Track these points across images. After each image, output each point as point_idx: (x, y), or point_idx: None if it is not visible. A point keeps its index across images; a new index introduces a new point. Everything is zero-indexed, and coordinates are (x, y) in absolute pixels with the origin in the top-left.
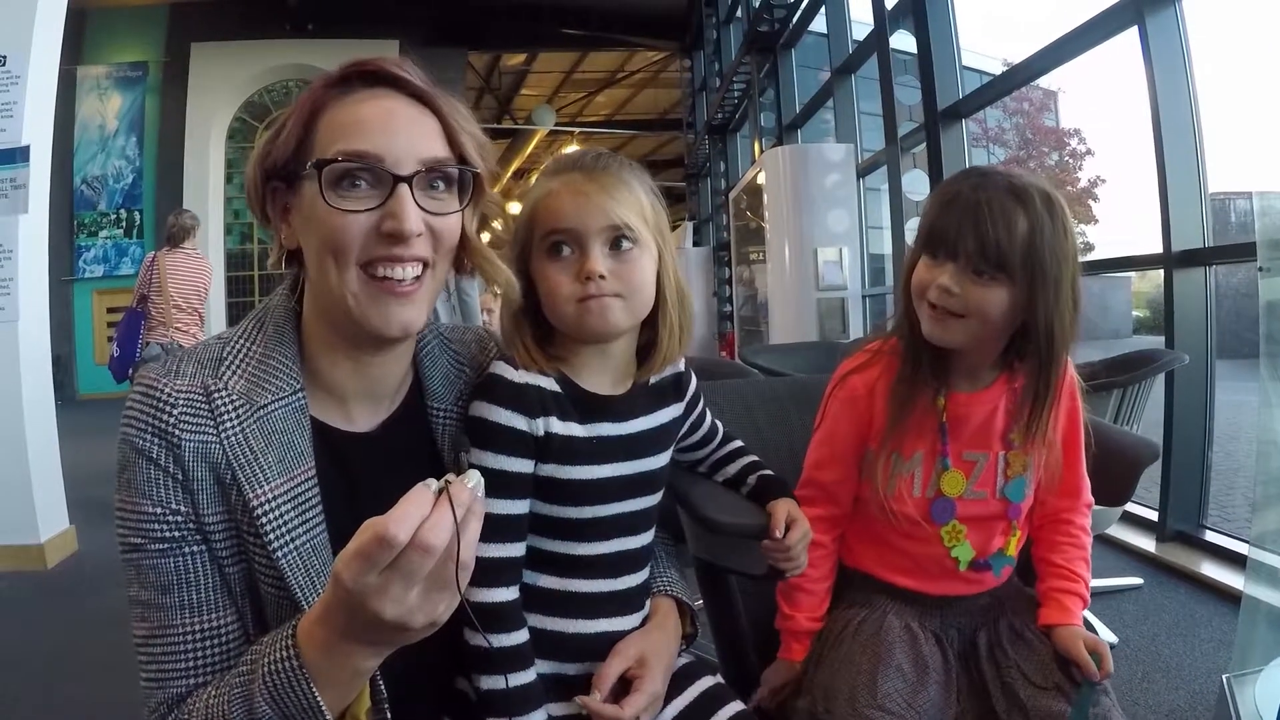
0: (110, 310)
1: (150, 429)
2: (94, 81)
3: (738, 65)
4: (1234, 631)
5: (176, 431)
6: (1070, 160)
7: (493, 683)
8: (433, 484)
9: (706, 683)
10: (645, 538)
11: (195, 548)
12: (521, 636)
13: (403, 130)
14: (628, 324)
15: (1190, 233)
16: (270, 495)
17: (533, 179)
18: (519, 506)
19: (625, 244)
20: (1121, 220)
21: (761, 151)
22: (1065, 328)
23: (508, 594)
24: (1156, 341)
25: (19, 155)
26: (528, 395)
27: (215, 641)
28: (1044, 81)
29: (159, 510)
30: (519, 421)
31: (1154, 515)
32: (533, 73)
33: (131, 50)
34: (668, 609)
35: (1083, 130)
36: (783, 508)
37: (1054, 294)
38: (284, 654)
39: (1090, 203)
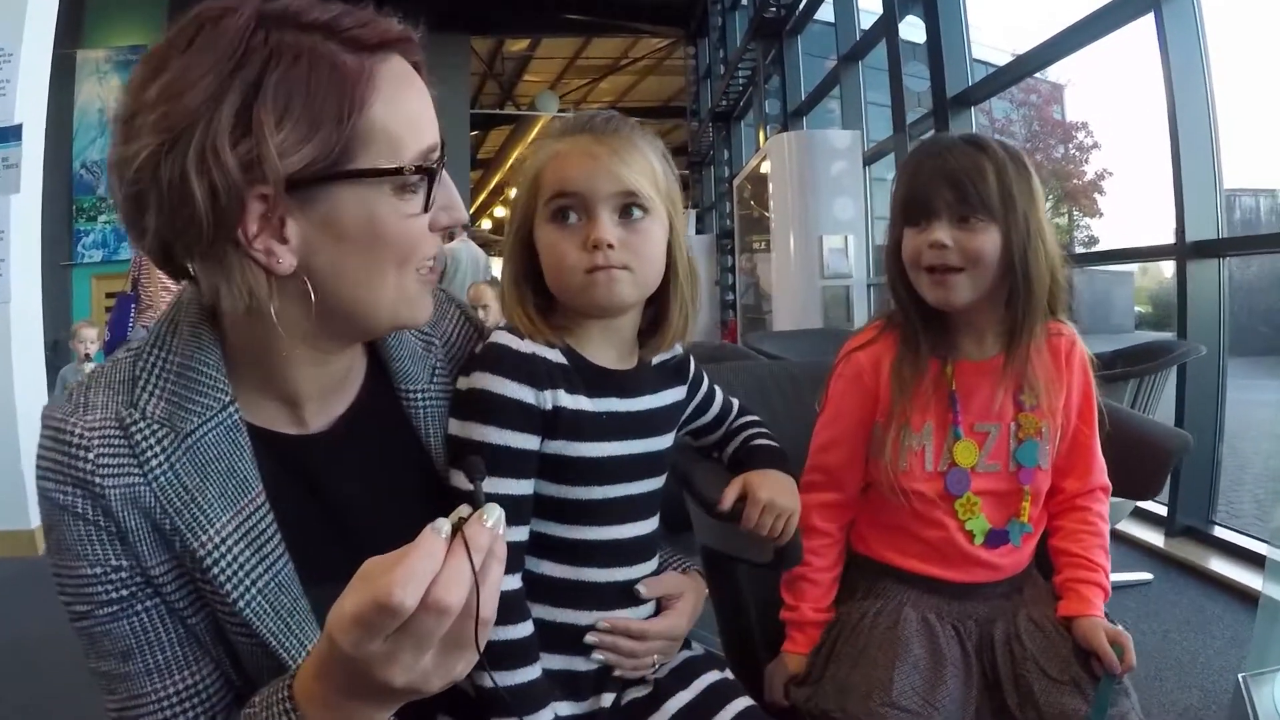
0: (108, 295)
1: (68, 479)
2: (94, 65)
3: (743, 52)
4: (1246, 628)
5: (96, 479)
6: (1077, 153)
7: (497, 680)
8: (443, 527)
9: (713, 676)
10: (653, 523)
11: (148, 603)
12: (526, 629)
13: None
14: (635, 298)
15: (1204, 223)
16: (219, 538)
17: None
18: (524, 487)
19: (636, 212)
20: (1128, 214)
21: (766, 139)
22: (1039, 257)
23: (511, 583)
24: (1159, 337)
25: (11, 134)
26: (535, 366)
27: (196, 700)
28: (1052, 75)
29: (98, 570)
30: (526, 394)
31: (1163, 510)
32: (536, 59)
33: (132, 34)
34: (693, 579)
35: (1090, 123)
36: (736, 483)
37: (1025, 226)
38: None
39: (1096, 196)
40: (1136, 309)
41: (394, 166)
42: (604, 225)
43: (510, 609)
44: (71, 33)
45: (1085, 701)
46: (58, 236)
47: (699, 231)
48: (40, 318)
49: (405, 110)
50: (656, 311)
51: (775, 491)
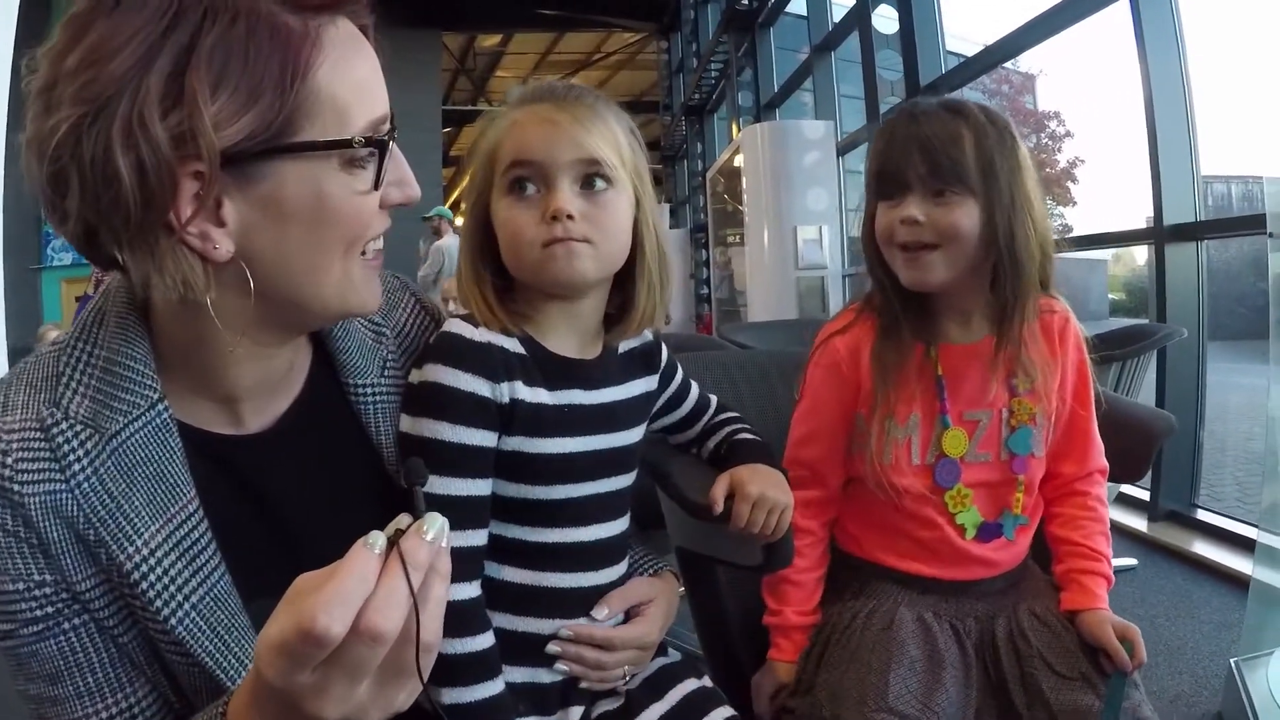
0: (78, 299)
1: None
2: None
3: (715, 44)
4: (1233, 612)
5: (15, 486)
6: (1050, 142)
7: (455, 696)
8: (377, 541)
9: (690, 685)
10: (622, 524)
11: (76, 621)
12: (486, 641)
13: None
14: (597, 275)
15: (1182, 207)
16: (147, 550)
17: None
18: (480, 487)
19: (599, 183)
20: (1100, 202)
21: (739, 132)
22: (1026, 232)
23: (469, 590)
24: (1135, 323)
25: None
26: (490, 356)
27: None
28: (1024, 65)
29: (21, 586)
30: (481, 386)
31: (1146, 495)
32: (508, 54)
33: None
34: (665, 580)
35: (1062, 113)
36: (723, 480)
37: (1009, 198)
38: None
39: (1069, 185)
40: (1110, 296)
41: (342, 139)
42: (563, 195)
43: (469, 619)
44: (37, 32)
45: (1097, 697)
46: (26, 239)
47: (673, 226)
48: (2, 320)
49: (353, 77)
50: (623, 296)
51: (765, 485)
